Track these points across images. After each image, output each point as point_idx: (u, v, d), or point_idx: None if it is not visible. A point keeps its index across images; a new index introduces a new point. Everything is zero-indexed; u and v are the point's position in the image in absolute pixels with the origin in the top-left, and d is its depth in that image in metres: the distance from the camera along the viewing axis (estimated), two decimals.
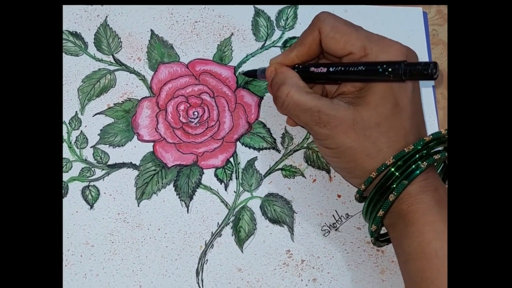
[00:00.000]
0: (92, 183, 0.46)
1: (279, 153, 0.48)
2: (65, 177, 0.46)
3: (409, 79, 0.38)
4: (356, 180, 0.42)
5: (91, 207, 0.46)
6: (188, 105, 0.49)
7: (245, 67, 0.50)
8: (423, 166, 0.39)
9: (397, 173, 0.39)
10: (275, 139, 0.48)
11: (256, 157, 0.48)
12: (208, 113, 0.49)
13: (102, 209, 0.45)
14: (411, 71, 0.37)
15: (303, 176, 0.48)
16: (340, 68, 0.41)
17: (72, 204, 0.45)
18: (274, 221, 0.46)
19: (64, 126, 0.47)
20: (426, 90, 0.51)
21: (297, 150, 0.48)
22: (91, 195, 0.46)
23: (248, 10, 0.52)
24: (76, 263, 0.44)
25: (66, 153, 0.47)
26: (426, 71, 0.36)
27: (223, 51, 0.51)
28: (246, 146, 0.48)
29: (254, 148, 0.48)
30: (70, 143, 0.47)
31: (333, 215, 0.47)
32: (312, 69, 0.43)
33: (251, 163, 0.48)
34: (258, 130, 0.49)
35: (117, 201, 0.46)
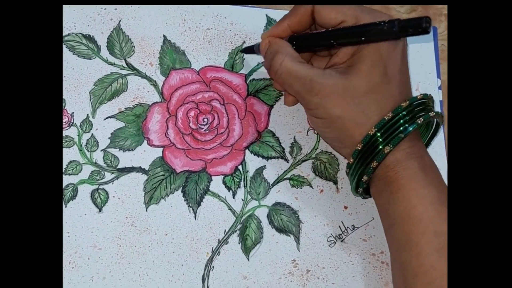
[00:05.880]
0: (101, 186, 0.46)
1: (288, 162, 0.48)
2: (75, 179, 0.46)
3: (404, 35, 0.39)
4: (345, 150, 0.42)
5: (100, 210, 0.46)
6: (198, 112, 0.49)
7: (256, 76, 0.50)
8: (416, 123, 0.40)
9: (380, 139, 0.40)
10: (283, 149, 0.49)
11: (265, 165, 0.48)
12: (218, 120, 0.49)
13: (110, 213, 0.46)
14: (406, 26, 0.38)
15: (311, 186, 0.48)
16: (337, 30, 0.42)
17: (81, 207, 0.46)
18: (281, 230, 0.47)
19: (75, 128, 0.47)
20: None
21: (305, 160, 0.49)
22: (100, 198, 0.46)
23: (260, 19, 0.52)
24: (83, 266, 0.44)
25: (76, 155, 0.47)
26: (420, 25, 0.37)
27: (234, 59, 0.51)
28: (255, 154, 0.48)
29: (263, 157, 0.48)
30: (81, 145, 0.47)
31: (339, 226, 0.47)
32: (311, 31, 0.44)
33: (259, 171, 0.48)
34: (267, 139, 0.49)
35: (125, 205, 0.46)
